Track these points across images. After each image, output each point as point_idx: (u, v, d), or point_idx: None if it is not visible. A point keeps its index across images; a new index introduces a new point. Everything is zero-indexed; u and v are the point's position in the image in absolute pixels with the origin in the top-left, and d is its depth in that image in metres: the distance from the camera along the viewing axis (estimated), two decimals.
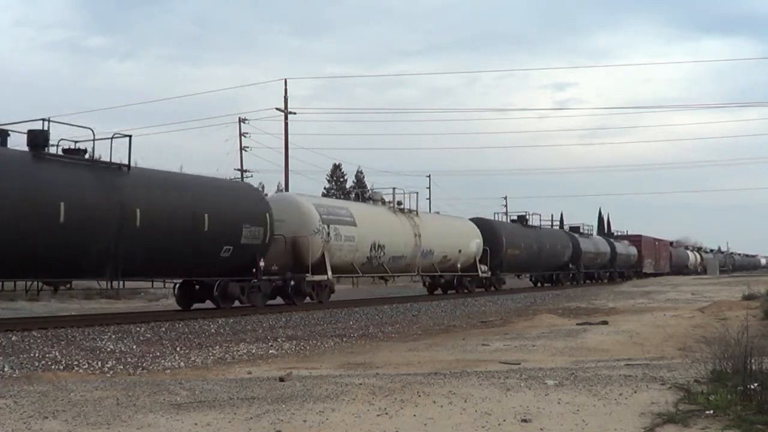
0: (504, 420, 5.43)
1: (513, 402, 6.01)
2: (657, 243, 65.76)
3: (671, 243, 75.09)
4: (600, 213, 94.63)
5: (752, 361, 6.23)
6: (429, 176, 63.96)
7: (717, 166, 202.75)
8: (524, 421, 5.41)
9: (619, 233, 62.43)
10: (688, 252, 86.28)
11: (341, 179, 74.37)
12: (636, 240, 60.07)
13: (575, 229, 48.83)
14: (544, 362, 9.70)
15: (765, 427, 5.02)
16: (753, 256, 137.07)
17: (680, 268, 76.37)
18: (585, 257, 45.81)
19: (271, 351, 12.05)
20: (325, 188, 70.62)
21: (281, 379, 7.60)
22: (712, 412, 5.44)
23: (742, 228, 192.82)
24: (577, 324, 16.03)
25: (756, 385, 5.75)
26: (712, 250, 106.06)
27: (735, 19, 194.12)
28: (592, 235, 51.71)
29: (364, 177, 73.96)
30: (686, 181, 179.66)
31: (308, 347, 12.67)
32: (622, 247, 54.88)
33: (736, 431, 5.04)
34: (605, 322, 15.97)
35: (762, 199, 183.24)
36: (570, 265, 43.85)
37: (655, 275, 61.88)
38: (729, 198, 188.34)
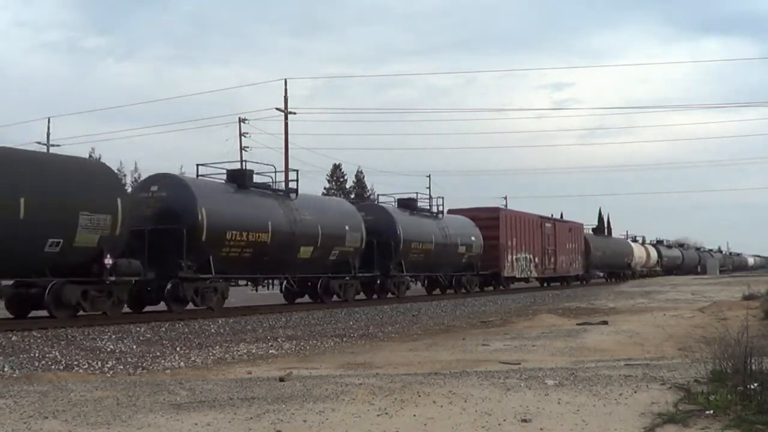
0: (504, 420, 5.43)
1: (513, 402, 6.01)
2: (546, 225, 39.01)
3: (599, 230, 53.17)
4: (600, 213, 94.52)
5: (752, 361, 6.22)
6: (429, 176, 63.86)
7: (716, 166, 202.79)
8: (524, 421, 5.41)
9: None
10: (633, 245, 59.35)
11: (341, 179, 74.39)
12: (487, 218, 32.71)
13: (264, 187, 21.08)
14: (544, 362, 9.70)
15: (765, 427, 5.01)
16: (738, 255, 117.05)
17: (613, 268, 52.84)
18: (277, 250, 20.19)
19: (271, 351, 12.05)
20: (325, 188, 70.67)
21: (281, 379, 7.60)
22: (712, 412, 5.44)
23: (742, 228, 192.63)
24: (577, 324, 16.03)
25: (756, 385, 5.74)
26: (682, 245, 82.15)
27: (734, 19, 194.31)
28: (289, 198, 21.57)
29: (364, 177, 74.14)
30: (686, 181, 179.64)
31: (308, 347, 12.67)
32: (423, 229, 27.69)
33: (736, 431, 5.04)
34: (605, 322, 15.98)
35: (762, 199, 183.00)
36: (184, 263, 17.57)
37: (546, 281, 40.41)
38: (728, 198, 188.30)
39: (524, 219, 36.97)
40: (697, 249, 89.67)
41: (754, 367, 6.14)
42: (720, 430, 5.06)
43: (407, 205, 28.47)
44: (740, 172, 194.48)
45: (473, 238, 31.20)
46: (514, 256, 34.50)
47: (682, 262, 73.92)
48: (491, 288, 33.82)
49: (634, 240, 63.19)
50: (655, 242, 69.70)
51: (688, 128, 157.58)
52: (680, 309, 20.71)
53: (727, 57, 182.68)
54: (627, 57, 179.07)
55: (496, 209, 35.96)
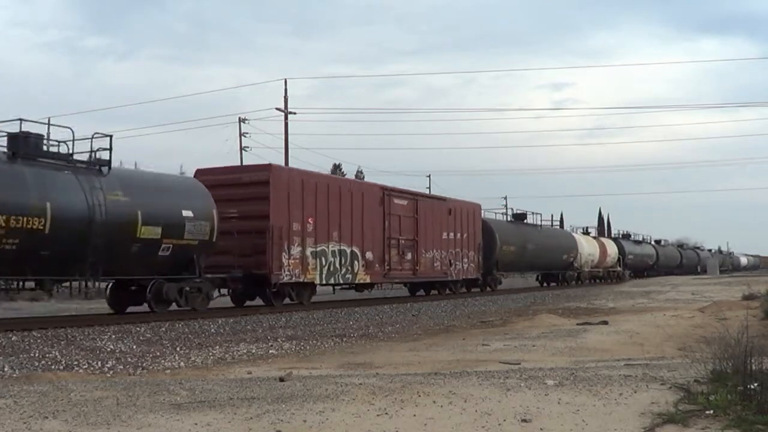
0: (504, 420, 5.43)
1: (513, 402, 6.01)
2: (395, 201, 25.33)
3: (519, 216, 38.90)
4: (600, 213, 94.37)
5: (752, 361, 6.22)
6: (429, 176, 63.75)
7: (716, 166, 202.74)
8: (524, 421, 5.41)
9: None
10: (579, 238, 44.70)
11: None
12: (251, 183, 20.13)
13: None
14: (544, 362, 9.70)
15: (765, 427, 5.01)
16: (730, 254, 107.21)
17: (545, 269, 40.39)
18: None
19: (271, 351, 12.05)
20: None
21: (281, 379, 7.60)
22: (712, 412, 5.44)
23: (741, 228, 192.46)
24: (577, 324, 16.04)
25: (756, 385, 5.74)
26: (659, 241, 66.17)
27: (733, 19, 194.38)
28: None
29: (364, 177, 74.09)
30: (686, 181, 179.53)
31: (308, 347, 12.67)
32: (23, 190, 13.83)
33: (736, 431, 5.04)
34: (605, 322, 15.98)
35: (761, 198, 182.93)
36: None
37: (410, 287, 29.21)
38: (728, 198, 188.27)
39: (339, 187, 22.89)
40: (679, 246, 76.16)
41: (754, 367, 6.13)
42: (720, 430, 5.06)
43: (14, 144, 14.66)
44: (740, 172, 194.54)
45: (190, 214, 17.56)
46: (309, 250, 20.89)
47: (656, 261, 59.70)
48: (262, 302, 20.49)
49: (586, 232, 49.24)
50: (619, 236, 56.29)
51: (688, 128, 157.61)
52: (680, 309, 20.72)
53: (726, 57, 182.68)
54: (626, 57, 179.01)
55: (267, 166, 21.12)
